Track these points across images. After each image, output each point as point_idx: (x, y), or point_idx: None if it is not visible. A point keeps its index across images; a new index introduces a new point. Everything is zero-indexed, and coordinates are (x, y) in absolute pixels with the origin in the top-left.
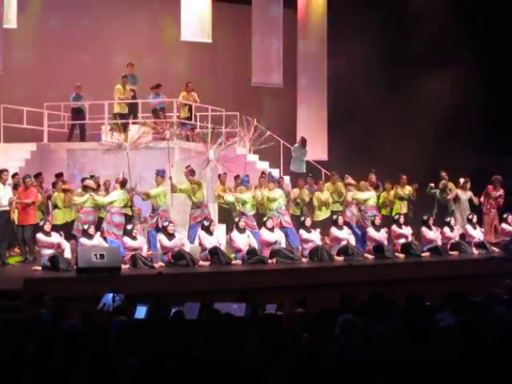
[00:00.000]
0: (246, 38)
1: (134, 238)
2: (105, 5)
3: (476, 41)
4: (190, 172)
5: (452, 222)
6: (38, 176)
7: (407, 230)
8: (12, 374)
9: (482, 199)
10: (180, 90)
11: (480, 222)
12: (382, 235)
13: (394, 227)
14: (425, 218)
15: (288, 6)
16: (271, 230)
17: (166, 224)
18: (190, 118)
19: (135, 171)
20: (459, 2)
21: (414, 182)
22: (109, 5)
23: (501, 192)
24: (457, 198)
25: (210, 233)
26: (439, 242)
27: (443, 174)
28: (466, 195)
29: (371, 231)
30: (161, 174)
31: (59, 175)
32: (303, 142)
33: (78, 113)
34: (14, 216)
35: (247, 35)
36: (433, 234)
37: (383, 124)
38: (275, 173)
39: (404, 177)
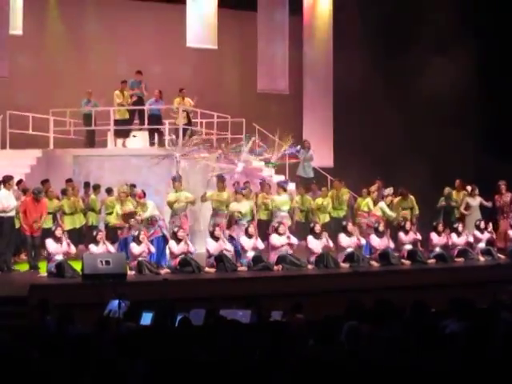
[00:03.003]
0: (252, 44)
1: (139, 243)
2: (110, 11)
3: (478, 43)
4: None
5: (460, 229)
6: (44, 183)
7: (411, 237)
8: (16, 379)
9: (494, 203)
10: (175, 96)
11: (495, 228)
12: (384, 242)
13: (400, 234)
14: (434, 223)
15: (293, 11)
16: (281, 235)
17: (175, 230)
18: (188, 124)
19: (140, 179)
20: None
21: (419, 187)
22: (114, 11)
23: (509, 196)
24: (467, 206)
25: (217, 239)
26: (446, 249)
27: (457, 182)
28: (475, 202)
29: (373, 238)
30: (178, 180)
31: (68, 181)
32: (306, 145)
33: (88, 119)
34: (19, 223)
35: (253, 41)
36: (441, 239)
37: (390, 130)
38: (280, 179)
39: (404, 191)
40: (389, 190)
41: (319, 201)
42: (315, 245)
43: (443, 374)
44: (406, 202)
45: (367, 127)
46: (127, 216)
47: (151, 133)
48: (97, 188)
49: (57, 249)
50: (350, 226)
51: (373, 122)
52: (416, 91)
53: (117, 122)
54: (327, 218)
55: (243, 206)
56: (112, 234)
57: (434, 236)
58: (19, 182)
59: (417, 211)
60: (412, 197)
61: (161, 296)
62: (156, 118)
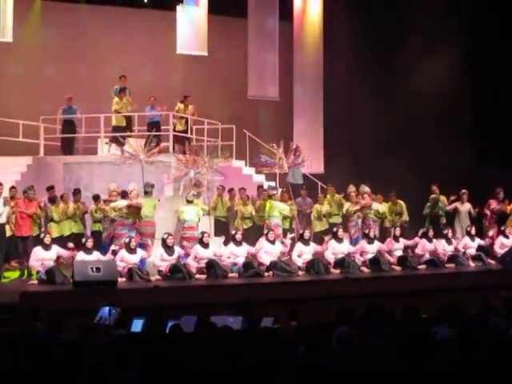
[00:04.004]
0: (242, 50)
1: (132, 251)
2: (101, 18)
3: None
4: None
5: (449, 235)
6: (29, 189)
7: (401, 244)
8: None
9: (485, 211)
10: (176, 102)
11: (482, 235)
12: (375, 248)
13: (391, 240)
14: (424, 230)
15: (284, 18)
16: (273, 242)
17: (165, 237)
18: (186, 131)
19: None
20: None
21: (408, 194)
22: (104, 18)
23: (501, 206)
24: (456, 211)
25: (206, 246)
26: (437, 255)
27: (434, 187)
28: (464, 207)
29: (364, 244)
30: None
31: (50, 188)
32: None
33: (69, 125)
34: (12, 228)
35: (243, 48)
36: (432, 246)
37: (381, 134)
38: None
39: (392, 194)
40: (362, 188)
41: (318, 207)
42: (304, 251)
43: (434, 379)
44: (395, 207)
45: (358, 132)
46: (133, 208)
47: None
48: (77, 193)
49: (46, 256)
50: (340, 232)
51: (363, 127)
52: (407, 94)
53: (114, 129)
54: (326, 225)
55: (190, 212)
56: (99, 241)
57: (424, 243)
58: (10, 190)
59: (405, 217)
60: (402, 202)
61: (151, 303)
62: (155, 125)
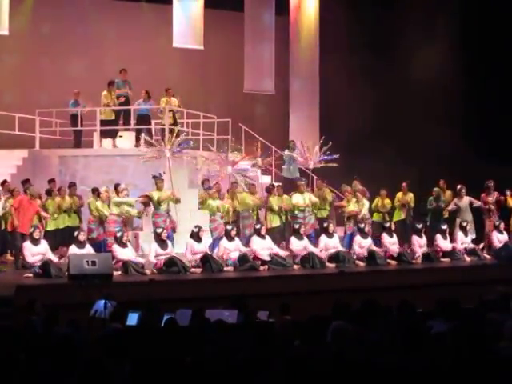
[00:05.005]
0: (238, 44)
1: (124, 246)
2: (97, 11)
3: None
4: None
5: (447, 231)
6: (25, 183)
7: (395, 239)
8: (2, 381)
9: (482, 205)
10: (160, 96)
11: (483, 228)
12: (368, 242)
13: (384, 235)
14: (419, 226)
15: (280, 12)
16: (263, 236)
17: (159, 231)
18: (174, 124)
19: (126, 179)
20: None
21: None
22: (101, 11)
23: (495, 195)
24: (456, 207)
25: (199, 240)
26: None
27: (442, 182)
28: (463, 202)
29: (358, 238)
30: (160, 178)
31: (51, 181)
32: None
33: (76, 119)
34: (15, 223)
35: (239, 42)
36: (423, 241)
37: (376, 130)
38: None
39: (404, 184)
40: (344, 187)
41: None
42: (298, 246)
43: (429, 374)
44: (405, 196)
45: (355, 126)
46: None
47: (139, 133)
48: (71, 186)
49: (33, 252)
50: (331, 227)
51: (360, 121)
52: (406, 87)
53: (102, 123)
54: (312, 220)
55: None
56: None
57: (416, 239)
58: (4, 183)
59: (411, 204)
60: (412, 194)
61: (147, 296)
62: (145, 118)
